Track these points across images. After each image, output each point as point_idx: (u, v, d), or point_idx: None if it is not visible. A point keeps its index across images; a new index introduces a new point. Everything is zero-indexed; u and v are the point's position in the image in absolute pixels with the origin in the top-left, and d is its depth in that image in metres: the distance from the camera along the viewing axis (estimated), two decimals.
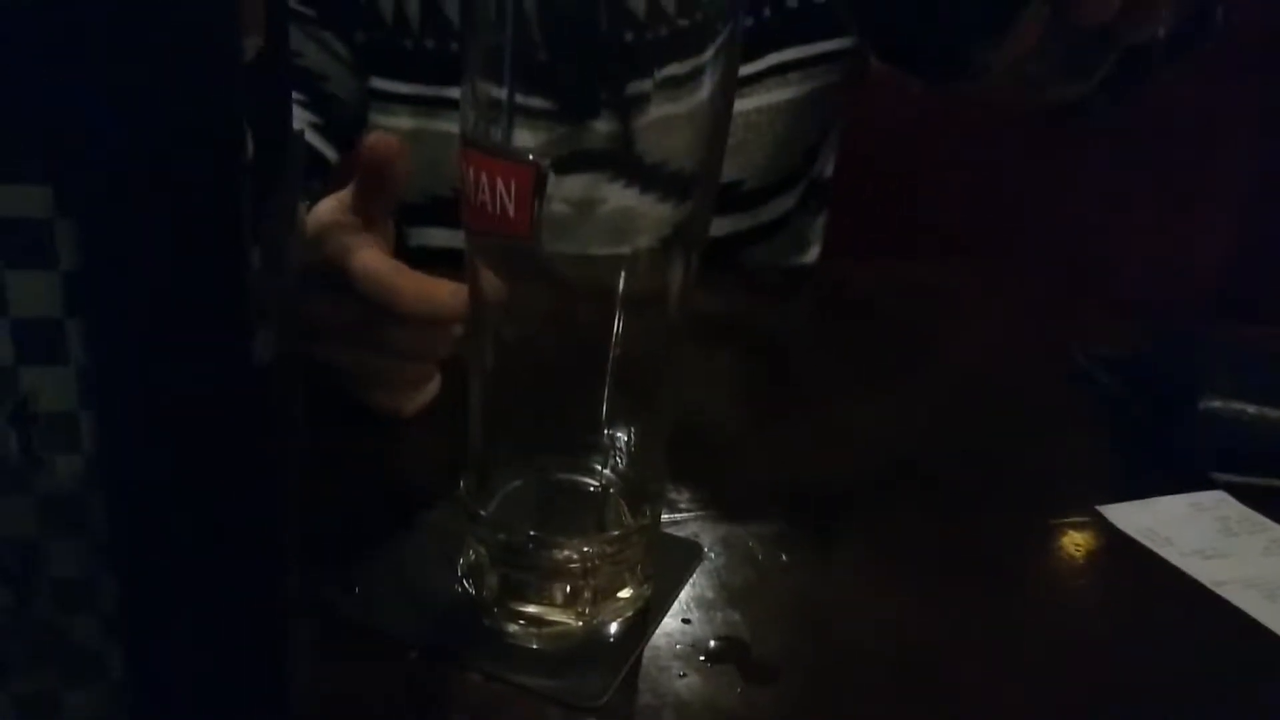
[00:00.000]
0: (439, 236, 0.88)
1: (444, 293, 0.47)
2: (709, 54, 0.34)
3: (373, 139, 0.48)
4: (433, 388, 0.53)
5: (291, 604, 0.29)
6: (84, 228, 0.21)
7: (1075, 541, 0.52)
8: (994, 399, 0.71)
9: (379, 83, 0.86)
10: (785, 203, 0.91)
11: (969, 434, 0.65)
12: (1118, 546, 0.51)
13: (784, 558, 0.47)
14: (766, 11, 0.83)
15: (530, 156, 0.32)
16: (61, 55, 0.19)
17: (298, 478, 0.30)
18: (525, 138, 0.34)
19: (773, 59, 0.84)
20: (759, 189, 0.87)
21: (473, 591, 0.40)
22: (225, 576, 0.26)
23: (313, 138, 0.86)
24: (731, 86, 0.37)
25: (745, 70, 0.82)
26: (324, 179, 0.88)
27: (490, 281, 0.38)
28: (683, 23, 0.34)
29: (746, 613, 0.43)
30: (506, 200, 0.32)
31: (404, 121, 0.86)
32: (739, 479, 0.53)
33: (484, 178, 0.33)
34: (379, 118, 0.87)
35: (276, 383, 0.24)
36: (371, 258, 0.47)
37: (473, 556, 0.40)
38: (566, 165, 0.34)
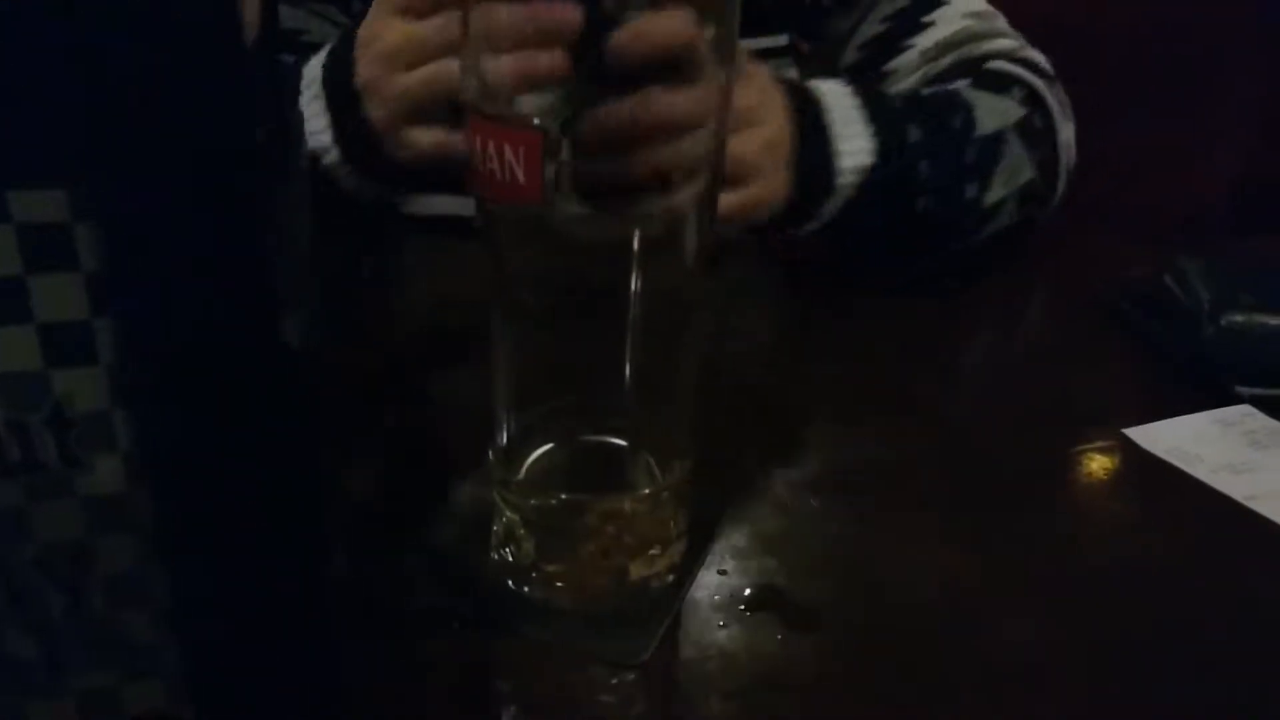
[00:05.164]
0: (447, 204, 0.87)
1: None
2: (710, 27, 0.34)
3: None
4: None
5: (335, 581, 0.29)
6: (101, 228, 0.21)
7: (1104, 466, 0.52)
8: (1017, 332, 0.71)
9: None
10: None
11: (994, 371, 0.65)
12: (1147, 468, 0.51)
13: (814, 503, 0.47)
14: None
15: (536, 121, 0.32)
16: (64, 62, 0.19)
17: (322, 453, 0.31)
18: (530, 101, 0.33)
19: (781, 39, 0.83)
20: None
21: (510, 559, 0.40)
22: (270, 557, 0.26)
23: None
24: (732, 52, 0.36)
25: (757, 44, 0.82)
26: None
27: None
28: None
29: (781, 560, 0.43)
30: (516, 167, 0.32)
31: None
32: (765, 428, 0.53)
33: (491, 145, 0.32)
34: None
35: (307, 364, 0.24)
36: None
37: (506, 524, 0.40)
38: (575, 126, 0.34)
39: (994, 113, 0.71)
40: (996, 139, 0.71)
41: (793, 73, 0.85)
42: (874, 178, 0.65)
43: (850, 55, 0.84)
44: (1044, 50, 0.84)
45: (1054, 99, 0.77)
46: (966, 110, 0.70)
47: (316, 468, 0.25)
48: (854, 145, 0.64)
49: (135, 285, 0.21)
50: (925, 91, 0.73)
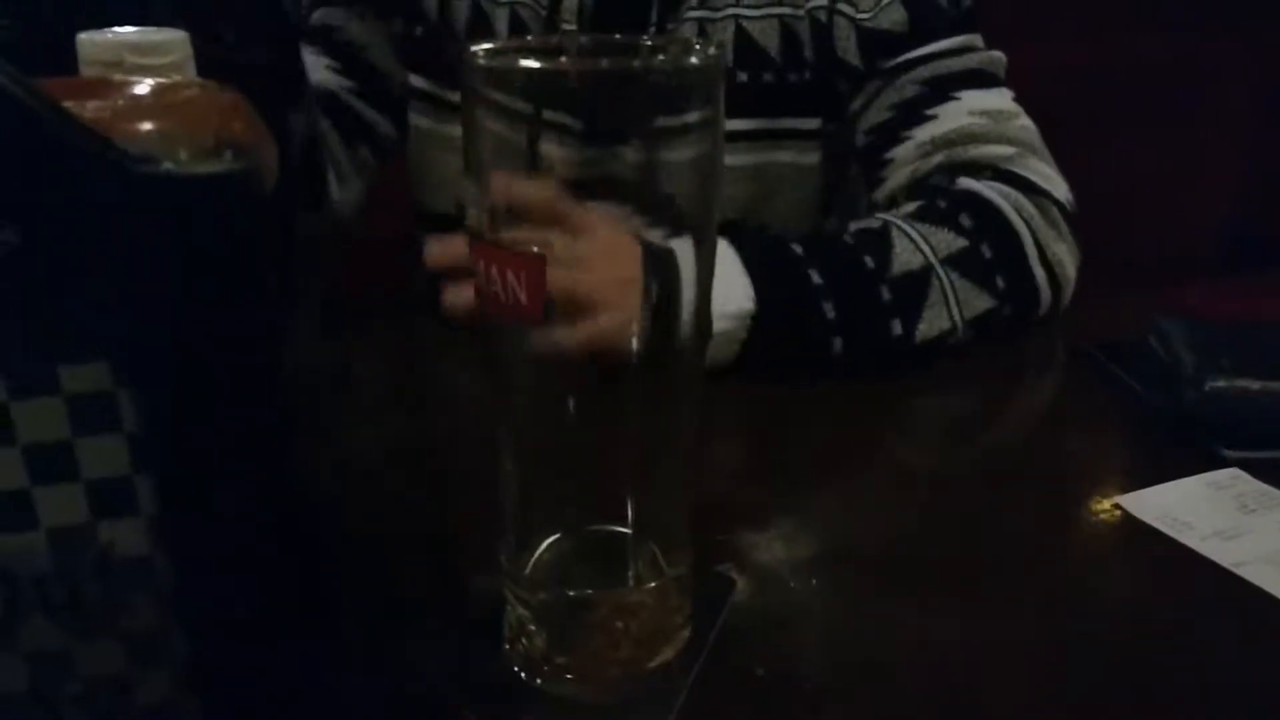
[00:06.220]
0: None
1: None
2: (717, 105, 0.36)
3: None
4: None
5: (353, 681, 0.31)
6: (142, 392, 0.23)
7: (1099, 536, 0.54)
8: (1005, 396, 0.73)
9: (416, 80, 0.89)
10: None
11: (984, 435, 0.66)
12: (1140, 537, 0.52)
13: (814, 582, 0.49)
14: (807, 74, 0.85)
15: (535, 249, 0.34)
16: (100, 258, 0.21)
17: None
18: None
19: (813, 122, 0.86)
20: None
21: (522, 651, 0.42)
22: (299, 677, 0.28)
23: (354, 102, 0.91)
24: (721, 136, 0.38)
25: (787, 125, 0.85)
26: (371, 146, 0.93)
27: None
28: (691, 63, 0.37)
29: (785, 642, 0.44)
30: (518, 290, 0.34)
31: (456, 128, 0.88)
32: (763, 508, 0.55)
33: (494, 269, 0.35)
34: (418, 119, 0.90)
35: (318, 501, 0.26)
36: None
37: (516, 618, 0.42)
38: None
39: (922, 248, 0.71)
40: (922, 274, 0.70)
41: (817, 156, 0.87)
42: (766, 323, 0.67)
43: (860, 139, 0.86)
44: (1033, 103, 0.85)
45: (1029, 220, 0.75)
46: (885, 248, 0.70)
47: (339, 598, 0.27)
48: (730, 293, 0.66)
49: (173, 441, 0.23)
50: (853, 227, 0.73)
